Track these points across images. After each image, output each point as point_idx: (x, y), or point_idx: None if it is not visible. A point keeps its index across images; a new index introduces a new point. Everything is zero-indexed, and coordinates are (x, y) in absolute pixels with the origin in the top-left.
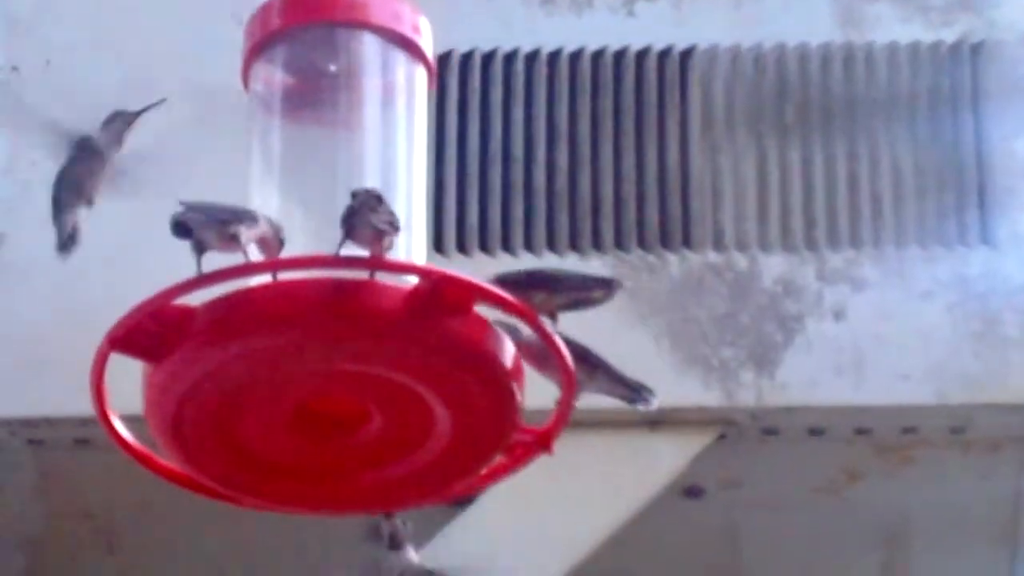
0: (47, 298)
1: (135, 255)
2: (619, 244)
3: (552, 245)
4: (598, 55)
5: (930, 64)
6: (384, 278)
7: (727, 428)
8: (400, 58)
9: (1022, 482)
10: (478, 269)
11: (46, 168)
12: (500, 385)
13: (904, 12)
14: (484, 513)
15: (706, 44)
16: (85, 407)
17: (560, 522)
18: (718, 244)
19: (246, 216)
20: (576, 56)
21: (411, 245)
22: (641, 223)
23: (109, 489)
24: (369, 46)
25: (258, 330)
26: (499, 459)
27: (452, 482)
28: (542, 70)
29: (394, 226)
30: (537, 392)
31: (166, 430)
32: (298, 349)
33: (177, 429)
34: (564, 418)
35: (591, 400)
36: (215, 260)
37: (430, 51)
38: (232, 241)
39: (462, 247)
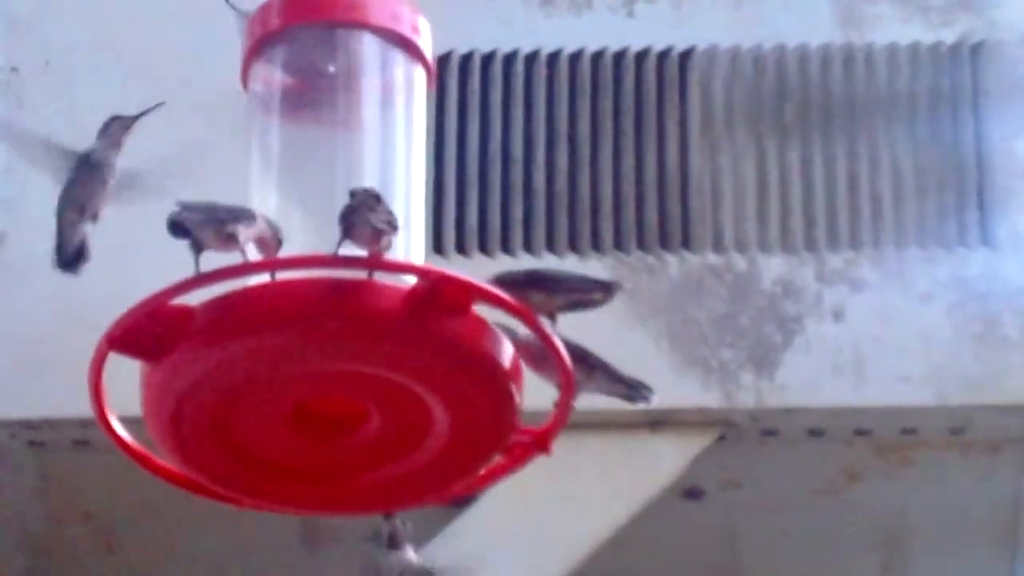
0: (47, 298)
1: (135, 255)
2: (618, 245)
3: (551, 246)
4: (598, 56)
5: (930, 64)
6: (383, 278)
7: (727, 429)
8: (399, 58)
9: (1022, 483)
10: (477, 270)
11: None
12: (499, 385)
13: (904, 12)
14: (484, 513)
15: (705, 45)
16: (85, 408)
17: (560, 522)
18: (717, 245)
19: (244, 215)
20: (576, 57)
21: (410, 245)
22: (640, 224)
23: (109, 490)
24: (368, 46)
25: (257, 330)
26: (498, 459)
27: (451, 482)
28: (542, 71)
29: (392, 225)
30: (536, 393)
31: (165, 430)
32: (297, 349)
33: (176, 429)
34: (563, 419)
35: (591, 401)
36: (214, 260)
37: (429, 51)
38: (230, 240)
39: (461, 248)
